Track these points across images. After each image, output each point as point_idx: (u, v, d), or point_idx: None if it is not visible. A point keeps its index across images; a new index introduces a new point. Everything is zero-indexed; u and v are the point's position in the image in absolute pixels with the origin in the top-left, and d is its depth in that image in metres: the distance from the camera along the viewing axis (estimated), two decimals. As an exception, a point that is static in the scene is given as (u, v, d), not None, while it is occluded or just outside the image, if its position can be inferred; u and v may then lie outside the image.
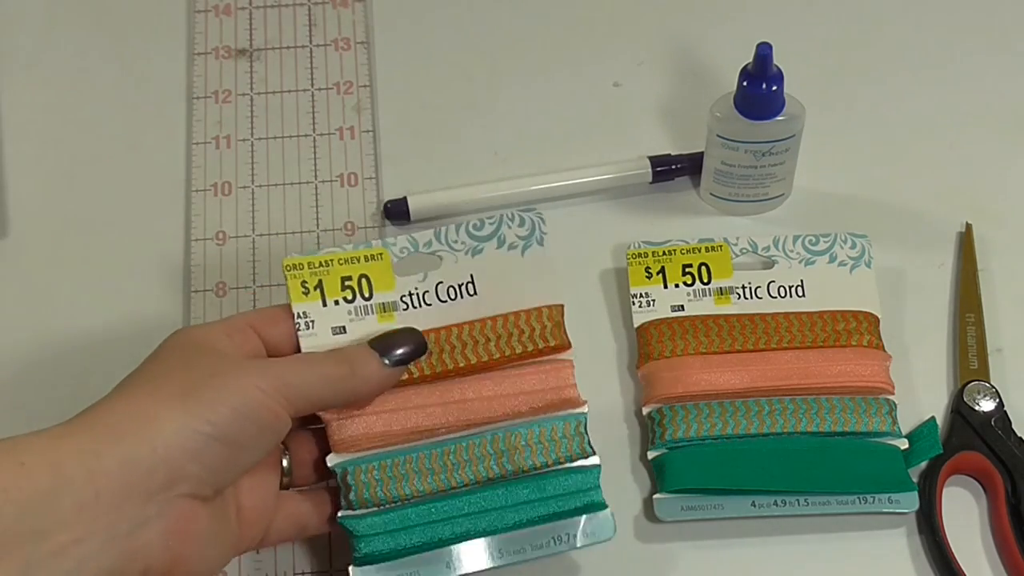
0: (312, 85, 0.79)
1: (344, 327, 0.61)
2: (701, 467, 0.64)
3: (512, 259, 0.63)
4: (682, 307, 0.69)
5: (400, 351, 0.59)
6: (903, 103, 0.78)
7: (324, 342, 0.60)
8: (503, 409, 0.61)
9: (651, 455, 0.65)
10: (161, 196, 0.75)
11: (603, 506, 0.60)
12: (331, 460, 0.60)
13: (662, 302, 0.69)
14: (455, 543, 0.59)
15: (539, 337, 0.62)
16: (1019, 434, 0.65)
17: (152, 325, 0.71)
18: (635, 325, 0.69)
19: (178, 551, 0.53)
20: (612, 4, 0.83)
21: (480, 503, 0.60)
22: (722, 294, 0.69)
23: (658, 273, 0.70)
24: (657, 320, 0.68)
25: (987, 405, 0.66)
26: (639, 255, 0.70)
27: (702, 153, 0.73)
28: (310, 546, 0.64)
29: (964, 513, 0.64)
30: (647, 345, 0.68)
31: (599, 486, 0.61)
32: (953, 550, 0.62)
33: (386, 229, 0.74)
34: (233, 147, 0.77)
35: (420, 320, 0.62)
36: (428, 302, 0.62)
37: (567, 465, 0.61)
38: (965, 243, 0.72)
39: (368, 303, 0.61)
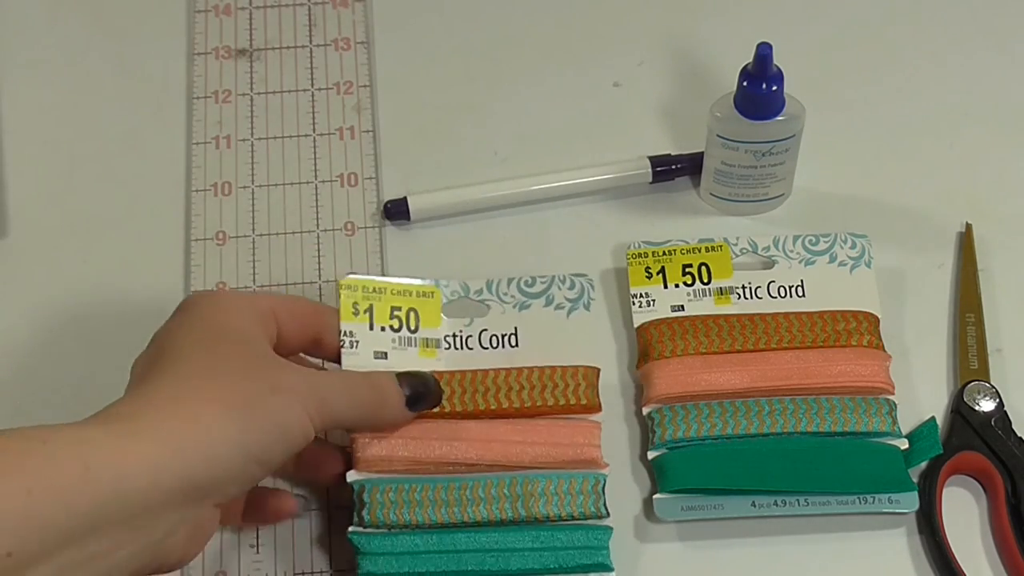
0: (312, 85, 0.79)
1: (386, 353, 0.63)
2: (701, 467, 0.63)
3: (557, 318, 0.66)
4: (682, 307, 0.69)
5: (421, 400, 0.60)
6: (903, 103, 0.78)
7: (365, 363, 0.62)
8: (525, 455, 0.62)
9: (651, 455, 0.65)
10: (161, 196, 0.75)
11: (609, 568, 0.61)
12: (351, 476, 0.61)
13: (662, 302, 0.69)
14: None
15: (571, 393, 0.63)
16: (1019, 434, 0.65)
17: (152, 325, 0.71)
18: (635, 325, 0.69)
19: (192, 550, 0.54)
20: (612, 4, 0.83)
21: (488, 542, 0.60)
22: (722, 294, 0.69)
23: (658, 273, 0.70)
24: (657, 320, 0.68)
25: (987, 405, 0.66)
26: (639, 255, 0.70)
27: (702, 153, 0.73)
28: (310, 546, 0.64)
29: (964, 513, 0.64)
30: (647, 345, 0.67)
31: (608, 548, 0.61)
32: (953, 550, 0.62)
33: (386, 229, 0.74)
34: (233, 147, 0.77)
35: (459, 361, 0.64)
36: (470, 346, 0.65)
37: (580, 522, 0.62)
38: (965, 243, 0.72)
39: (413, 336, 0.64)
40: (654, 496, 0.64)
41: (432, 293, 0.66)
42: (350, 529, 0.61)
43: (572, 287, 0.67)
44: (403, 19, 0.82)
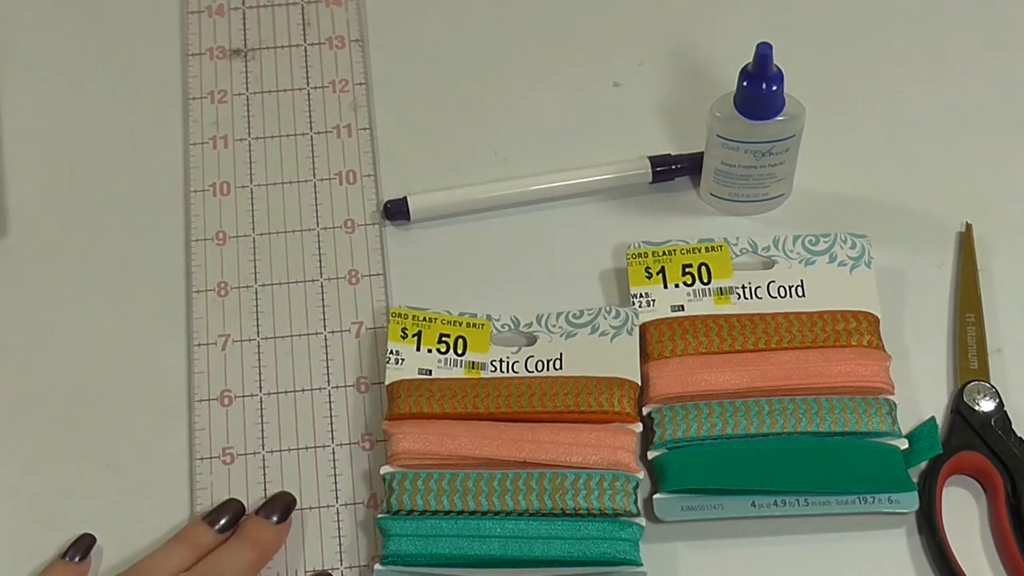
0: (307, 84, 0.79)
1: (431, 371, 0.66)
2: (701, 467, 0.64)
3: (601, 343, 0.67)
4: (682, 307, 0.69)
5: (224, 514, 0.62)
6: (903, 103, 0.78)
7: (408, 376, 0.65)
8: (557, 454, 0.63)
9: (651, 455, 0.65)
10: (161, 196, 0.75)
11: (638, 563, 0.61)
12: (384, 470, 0.63)
13: (662, 302, 0.69)
14: (481, 566, 0.61)
15: (606, 401, 0.64)
16: (1019, 434, 0.65)
17: (152, 326, 0.71)
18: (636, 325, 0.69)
19: None
20: (612, 4, 0.83)
21: (513, 528, 0.61)
22: (722, 294, 0.69)
23: (658, 273, 0.70)
24: (657, 320, 0.68)
25: (987, 405, 0.66)
26: (639, 255, 0.70)
27: (702, 153, 0.73)
28: (310, 547, 0.64)
29: (964, 513, 0.64)
30: (647, 345, 0.67)
31: (638, 544, 0.62)
32: (953, 550, 0.62)
33: (386, 229, 0.74)
34: (231, 147, 0.77)
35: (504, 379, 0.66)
36: (516, 371, 0.67)
37: (609, 517, 0.62)
38: (965, 243, 0.72)
39: (460, 358, 0.66)
40: (654, 496, 0.64)
41: (482, 325, 0.68)
42: (378, 516, 0.62)
43: (617, 316, 0.68)
44: (397, 16, 0.82)
